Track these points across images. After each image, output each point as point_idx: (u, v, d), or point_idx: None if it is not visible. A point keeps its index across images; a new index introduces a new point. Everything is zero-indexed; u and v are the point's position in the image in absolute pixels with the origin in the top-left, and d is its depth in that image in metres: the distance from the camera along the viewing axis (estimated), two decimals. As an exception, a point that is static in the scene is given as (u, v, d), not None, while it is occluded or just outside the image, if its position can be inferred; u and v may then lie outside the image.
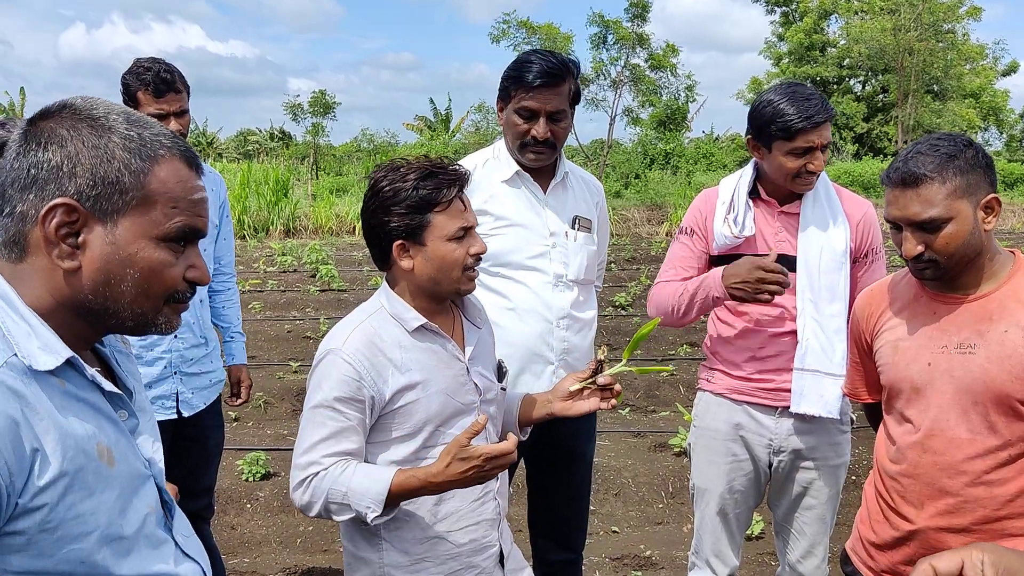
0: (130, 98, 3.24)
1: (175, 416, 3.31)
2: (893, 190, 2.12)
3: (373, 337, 2.09)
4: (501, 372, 2.36)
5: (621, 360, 2.25)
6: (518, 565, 2.37)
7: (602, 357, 2.21)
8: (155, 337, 3.24)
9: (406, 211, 2.06)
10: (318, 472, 2.00)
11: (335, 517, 2.01)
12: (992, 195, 2.09)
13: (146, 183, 1.29)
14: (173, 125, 3.24)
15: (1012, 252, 2.19)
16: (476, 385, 2.21)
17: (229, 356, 3.72)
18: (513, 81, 2.85)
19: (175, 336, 3.32)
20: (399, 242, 2.09)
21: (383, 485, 1.94)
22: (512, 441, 1.95)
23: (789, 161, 2.82)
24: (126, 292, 1.30)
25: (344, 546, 2.24)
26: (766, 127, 2.82)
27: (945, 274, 2.13)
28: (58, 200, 1.24)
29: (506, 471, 2.33)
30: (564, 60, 2.87)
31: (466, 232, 2.12)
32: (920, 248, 2.09)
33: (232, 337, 3.73)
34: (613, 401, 2.20)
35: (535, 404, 2.34)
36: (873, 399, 2.49)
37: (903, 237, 2.13)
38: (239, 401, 3.76)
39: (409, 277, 2.14)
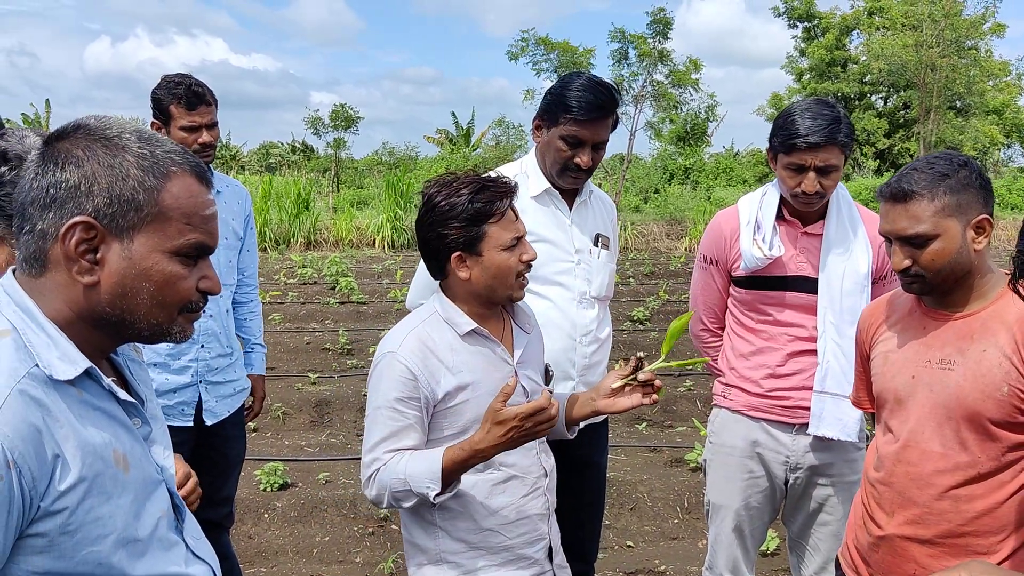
0: (162, 112, 3.31)
1: (191, 424, 3.36)
2: (885, 204, 2.18)
3: (426, 340, 2.20)
4: (548, 375, 2.47)
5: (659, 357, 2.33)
6: (563, 562, 2.45)
7: (642, 354, 2.29)
8: (183, 346, 3.32)
9: (463, 224, 2.17)
10: (379, 468, 2.13)
11: (403, 504, 2.14)
12: (983, 216, 2.12)
13: (160, 200, 1.34)
14: (205, 137, 3.33)
15: (1006, 273, 2.20)
16: (523, 387, 2.30)
17: (248, 366, 3.77)
18: (563, 108, 2.85)
19: (201, 346, 3.39)
20: (457, 253, 2.19)
21: (436, 463, 2.06)
22: (545, 397, 2.05)
23: (787, 177, 2.85)
24: (142, 304, 1.35)
25: (404, 536, 2.34)
26: (773, 138, 2.87)
27: (932, 289, 2.18)
28: (77, 219, 1.29)
29: (554, 470, 2.42)
30: (613, 92, 2.88)
31: (518, 240, 2.23)
32: (907, 262, 2.15)
33: (253, 348, 3.79)
34: (655, 396, 2.27)
35: (579, 403, 2.41)
36: (873, 409, 2.51)
37: (892, 251, 2.19)
38: (251, 414, 3.81)
39: (466, 286, 2.24)
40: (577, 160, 2.87)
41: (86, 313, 1.34)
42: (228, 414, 3.52)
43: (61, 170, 1.29)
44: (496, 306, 2.32)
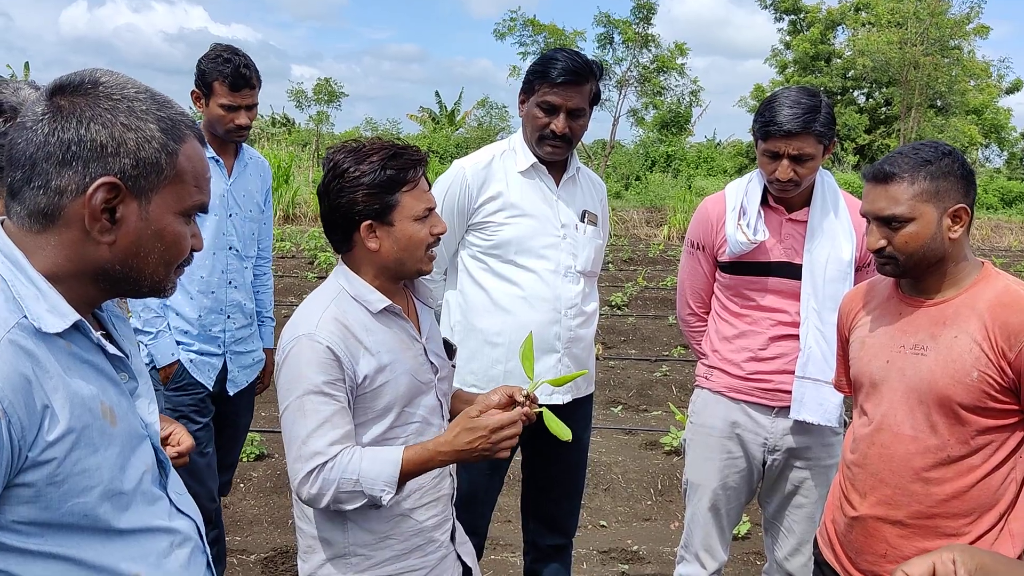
0: (205, 85, 3.27)
1: (210, 387, 3.39)
2: (867, 184, 2.24)
3: (342, 319, 2.06)
4: (451, 350, 2.37)
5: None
6: (463, 538, 2.39)
7: (531, 389, 2.15)
8: (213, 316, 3.38)
9: (375, 191, 2.04)
10: (324, 463, 1.96)
11: (344, 506, 1.99)
12: (961, 205, 2.17)
13: (177, 163, 1.36)
14: (242, 118, 3.31)
15: (982, 262, 2.27)
16: (432, 364, 2.22)
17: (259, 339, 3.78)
18: (538, 76, 2.93)
19: (228, 316, 3.44)
20: (367, 223, 2.07)
21: (394, 466, 1.96)
22: (517, 411, 1.99)
23: (764, 163, 2.89)
24: (151, 262, 1.38)
25: (299, 528, 2.19)
26: (754, 123, 2.91)
27: (905, 272, 2.24)
28: (105, 179, 1.29)
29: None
30: (589, 61, 2.96)
31: (430, 212, 2.13)
32: (882, 243, 2.20)
33: (263, 321, 3.78)
34: (526, 409, 2.14)
35: (461, 401, 2.35)
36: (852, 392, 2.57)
37: (869, 230, 2.25)
38: (260, 387, 3.82)
39: (374, 258, 2.11)
40: (552, 126, 2.92)
41: (91, 269, 1.34)
42: (248, 384, 3.58)
43: (85, 129, 1.28)
44: (403, 280, 2.22)
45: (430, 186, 2.18)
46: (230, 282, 3.45)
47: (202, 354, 3.38)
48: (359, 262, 2.14)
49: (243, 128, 3.34)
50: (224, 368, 3.46)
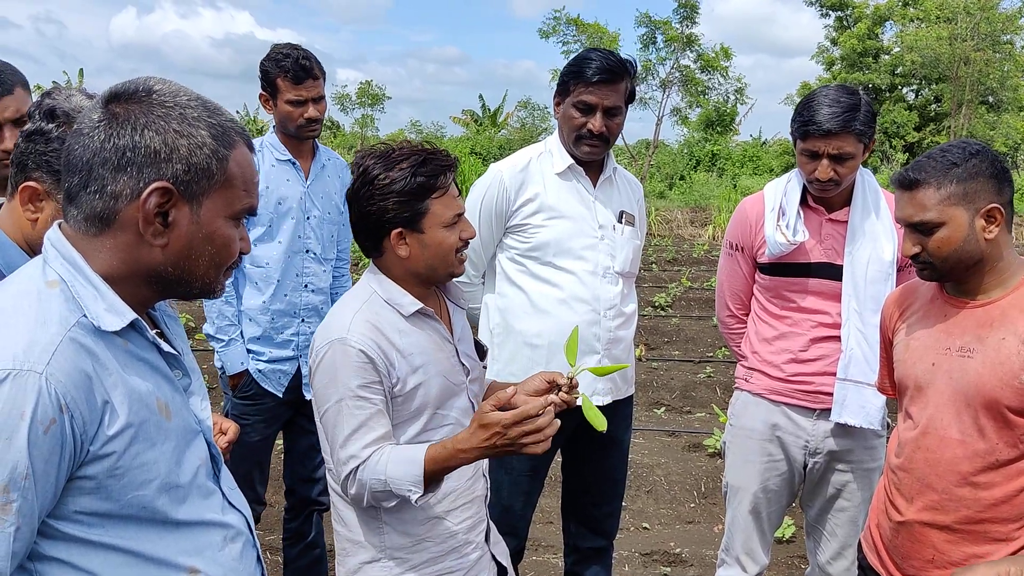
0: (269, 84, 3.32)
1: (280, 394, 3.42)
2: (896, 192, 2.22)
3: (374, 321, 2.05)
4: (482, 351, 2.37)
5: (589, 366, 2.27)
6: (496, 538, 2.40)
7: (573, 375, 2.12)
8: (285, 319, 3.40)
9: (406, 199, 2.03)
10: (358, 466, 1.99)
11: (383, 504, 2.03)
12: (994, 205, 2.13)
13: (227, 168, 1.39)
14: (311, 111, 3.33)
15: None
16: (464, 365, 2.22)
17: None
18: (573, 76, 2.95)
19: (302, 320, 3.44)
20: (398, 230, 2.06)
21: (417, 466, 1.94)
22: (536, 404, 1.88)
23: (803, 163, 2.87)
24: (202, 265, 1.42)
25: (336, 530, 2.20)
26: (792, 123, 2.89)
27: (943, 276, 2.22)
28: (157, 184, 1.33)
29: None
30: (623, 59, 2.97)
31: (459, 218, 2.11)
32: (916, 249, 2.19)
33: None
34: (563, 395, 2.12)
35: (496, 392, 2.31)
36: (896, 395, 2.54)
37: (903, 236, 2.24)
38: None
39: (405, 264, 2.11)
40: (589, 126, 2.93)
41: (144, 271, 1.39)
42: None
43: (140, 135, 1.33)
44: (434, 284, 2.21)
45: (460, 191, 2.16)
46: (306, 286, 3.45)
47: (274, 361, 3.39)
48: (390, 268, 2.14)
49: (314, 121, 3.35)
50: (298, 373, 3.45)
